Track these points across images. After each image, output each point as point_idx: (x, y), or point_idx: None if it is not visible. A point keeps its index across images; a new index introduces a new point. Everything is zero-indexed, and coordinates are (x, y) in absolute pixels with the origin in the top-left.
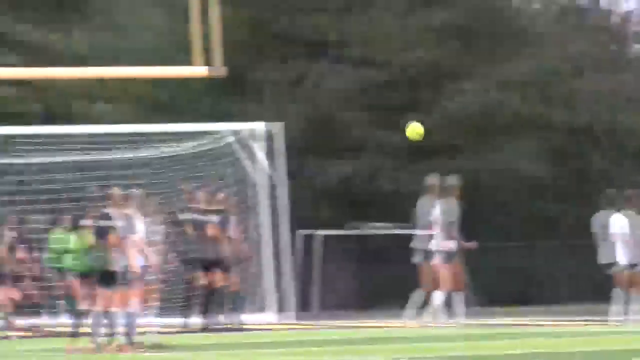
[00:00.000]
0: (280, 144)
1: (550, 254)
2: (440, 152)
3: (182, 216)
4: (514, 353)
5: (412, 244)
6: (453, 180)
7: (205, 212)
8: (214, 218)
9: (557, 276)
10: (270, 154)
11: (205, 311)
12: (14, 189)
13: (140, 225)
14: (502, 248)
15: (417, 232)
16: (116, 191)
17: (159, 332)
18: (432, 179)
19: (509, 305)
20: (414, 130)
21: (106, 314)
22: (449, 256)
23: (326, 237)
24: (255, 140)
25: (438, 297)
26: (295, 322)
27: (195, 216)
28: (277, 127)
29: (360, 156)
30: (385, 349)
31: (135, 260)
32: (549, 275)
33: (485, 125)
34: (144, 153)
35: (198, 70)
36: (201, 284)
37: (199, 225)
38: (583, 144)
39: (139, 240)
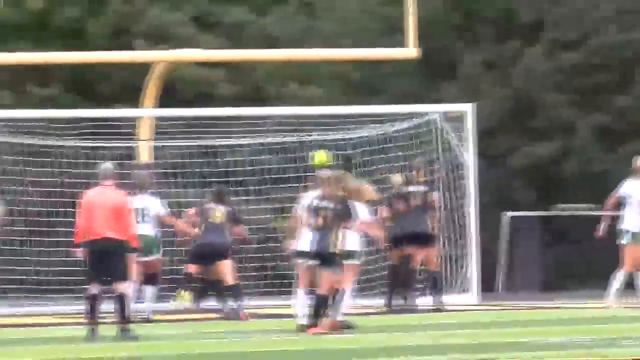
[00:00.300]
0: (474, 125)
1: None
2: (635, 134)
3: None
4: None
5: (619, 226)
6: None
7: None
8: (419, 191)
9: None
10: (465, 134)
11: (404, 291)
12: (221, 171)
13: (360, 207)
14: None
15: (622, 213)
16: (328, 173)
17: (356, 314)
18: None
19: None
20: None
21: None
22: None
23: (517, 217)
24: (452, 121)
25: (624, 276)
26: (488, 302)
27: (414, 188)
28: (471, 108)
29: (554, 137)
30: (585, 329)
31: (351, 242)
32: None
33: None
34: (349, 134)
35: (408, 52)
36: (400, 263)
37: (411, 199)
38: None
39: (357, 222)
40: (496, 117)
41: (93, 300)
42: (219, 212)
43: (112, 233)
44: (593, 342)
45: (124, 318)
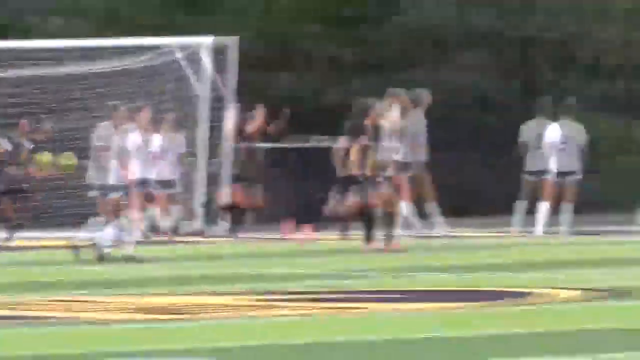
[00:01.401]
0: (233, 58)
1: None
2: (393, 66)
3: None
4: None
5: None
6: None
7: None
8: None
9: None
10: (221, 68)
11: None
12: None
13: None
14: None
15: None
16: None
17: None
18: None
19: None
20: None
21: None
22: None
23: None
24: (204, 54)
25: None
26: None
27: None
28: (230, 41)
29: (311, 70)
30: None
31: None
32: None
33: (440, 38)
34: (90, 68)
35: None
36: None
37: None
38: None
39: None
40: (253, 50)
41: None
42: None
43: None
44: None
45: None
